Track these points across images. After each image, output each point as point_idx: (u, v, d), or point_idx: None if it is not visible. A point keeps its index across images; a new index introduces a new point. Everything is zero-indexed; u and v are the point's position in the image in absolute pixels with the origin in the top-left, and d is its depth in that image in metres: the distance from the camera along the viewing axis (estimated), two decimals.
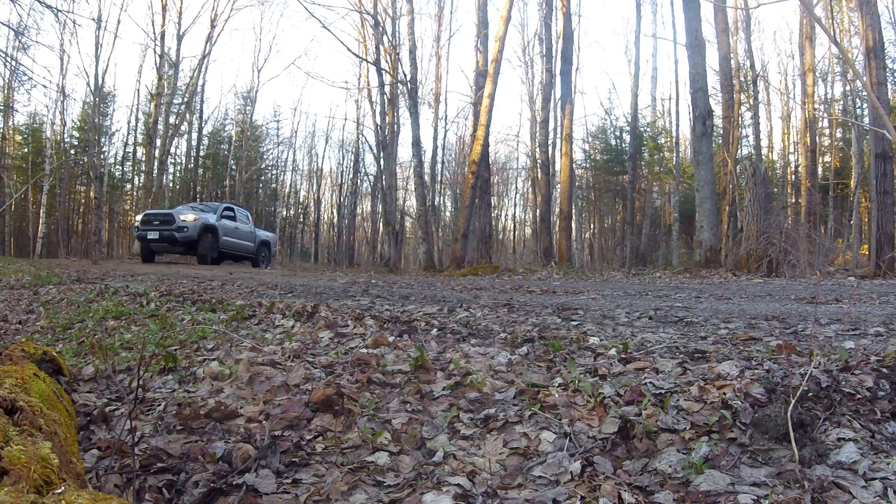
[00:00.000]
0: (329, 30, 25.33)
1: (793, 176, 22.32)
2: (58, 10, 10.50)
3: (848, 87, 18.89)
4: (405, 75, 13.02)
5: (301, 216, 32.44)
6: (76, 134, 25.74)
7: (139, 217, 12.83)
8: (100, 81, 19.79)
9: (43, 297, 4.55)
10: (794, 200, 19.54)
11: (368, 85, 17.97)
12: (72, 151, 25.32)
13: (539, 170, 16.85)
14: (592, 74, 47.47)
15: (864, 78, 8.31)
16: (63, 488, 0.89)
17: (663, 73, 33.83)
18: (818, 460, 1.29)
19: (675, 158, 19.14)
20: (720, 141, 15.87)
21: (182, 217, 12.25)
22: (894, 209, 7.64)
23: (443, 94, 20.59)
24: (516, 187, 31.63)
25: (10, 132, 24.25)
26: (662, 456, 1.36)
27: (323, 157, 30.94)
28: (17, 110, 23.20)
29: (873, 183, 8.05)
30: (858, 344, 2.05)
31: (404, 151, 22.39)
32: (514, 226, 31.96)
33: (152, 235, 12.01)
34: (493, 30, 12.61)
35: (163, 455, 1.44)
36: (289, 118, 50.23)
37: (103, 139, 23.83)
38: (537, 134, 18.57)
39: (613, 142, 22.91)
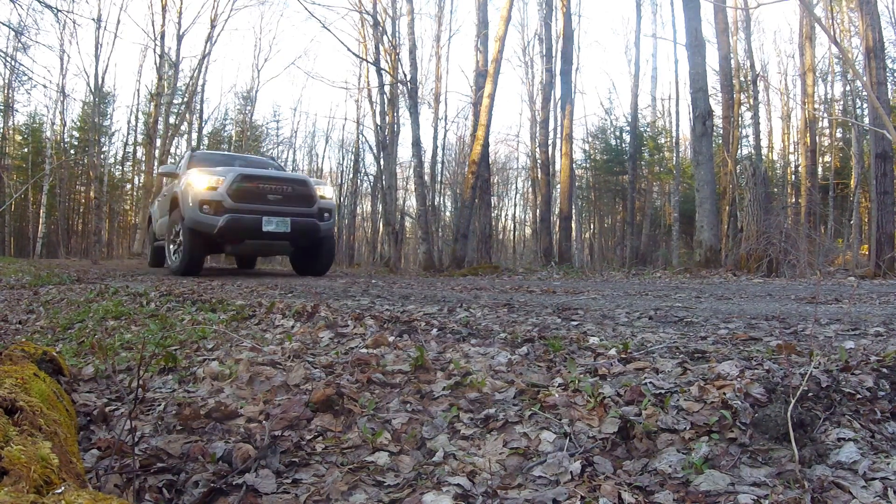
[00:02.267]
0: (329, 30, 25.36)
1: (793, 176, 22.32)
2: (58, 10, 10.51)
3: (848, 87, 18.92)
4: (405, 75, 13.02)
5: None
6: (76, 134, 25.76)
7: (217, 185, 6.40)
8: (100, 81, 19.83)
9: (43, 297, 4.55)
10: (794, 200, 19.55)
11: (368, 85, 17.98)
12: (72, 151, 25.33)
13: (539, 170, 16.86)
14: (592, 74, 47.51)
15: (864, 78, 8.30)
16: (63, 488, 0.89)
17: (663, 73, 33.94)
18: (818, 460, 1.29)
19: (675, 158, 19.14)
20: (720, 141, 15.87)
21: (321, 190, 7.04)
22: (894, 209, 7.64)
23: (443, 94, 20.58)
24: (516, 187, 31.64)
25: (10, 132, 24.28)
26: (662, 456, 1.36)
27: (323, 157, 30.92)
28: (17, 110, 23.23)
29: (873, 183, 8.05)
30: (858, 344, 2.05)
31: (404, 151, 22.42)
32: (514, 226, 31.96)
33: (274, 226, 6.44)
34: (493, 30, 12.61)
35: (163, 455, 1.44)
36: (289, 118, 50.31)
37: (103, 139, 23.84)
38: (537, 134, 18.57)
39: (613, 142, 22.91)
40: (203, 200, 6.38)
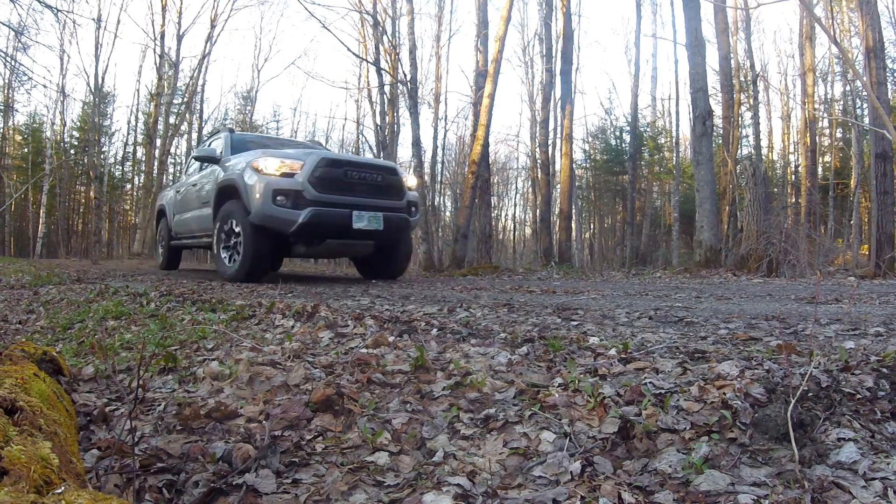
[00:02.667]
0: (329, 30, 25.27)
1: (793, 176, 22.33)
2: (58, 10, 10.52)
3: (848, 87, 18.92)
4: (405, 75, 13.01)
5: None
6: (76, 134, 25.76)
7: (294, 170, 5.19)
8: (100, 81, 19.83)
9: (43, 297, 4.55)
10: (794, 200, 19.56)
11: (368, 85, 17.99)
12: (72, 151, 25.34)
13: (539, 170, 16.86)
14: (592, 74, 47.41)
15: (864, 78, 8.30)
16: (63, 488, 0.89)
17: (663, 73, 33.98)
18: (818, 460, 1.29)
19: (675, 158, 19.14)
20: (720, 141, 15.88)
21: (407, 180, 6.01)
22: (894, 209, 7.64)
23: (443, 94, 20.54)
24: (516, 187, 31.60)
25: (10, 132, 24.29)
26: (662, 456, 1.36)
27: None
28: (17, 110, 23.24)
29: (873, 183, 8.05)
30: (858, 344, 2.05)
31: (404, 151, 22.40)
32: (514, 226, 31.94)
33: (366, 222, 5.29)
34: (493, 30, 12.61)
35: (163, 455, 1.44)
36: (289, 118, 50.18)
37: (103, 139, 23.85)
38: (537, 134, 18.58)
39: (613, 142, 22.92)
40: (278, 190, 5.06)
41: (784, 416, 1.37)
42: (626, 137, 20.47)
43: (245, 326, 2.84)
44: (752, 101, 17.51)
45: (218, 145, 6.62)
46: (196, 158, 6.67)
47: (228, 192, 5.66)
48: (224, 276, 5.68)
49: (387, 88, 15.02)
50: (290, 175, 5.18)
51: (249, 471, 1.36)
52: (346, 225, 5.28)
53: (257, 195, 5.13)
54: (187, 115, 23.41)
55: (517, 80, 25.92)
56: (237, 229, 5.45)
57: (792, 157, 23.07)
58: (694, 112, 9.26)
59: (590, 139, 24.22)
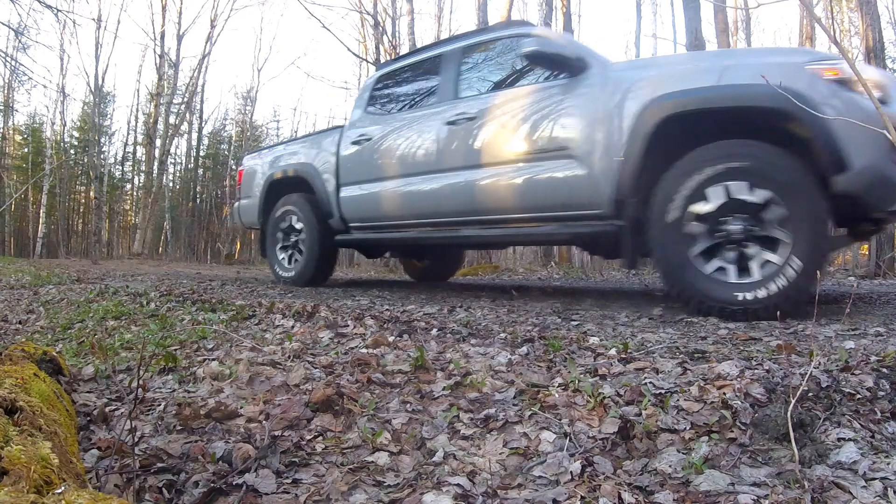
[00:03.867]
0: (329, 30, 25.38)
1: None
2: (58, 10, 10.54)
3: None
4: None
5: None
6: (76, 134, 25.78)
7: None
8: (100, 81, 19.86)
9: (43, 297, 4.54)
10: None
11: None
12: (72, 151, 25.35)
13: None
14: None
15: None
16: (63, 488, 0.89)
17: None
18: (818, 460, 1.29)
19: None
20: None
21: None
22: None
23: None
24: None
25: (10, 132, 24.31)
26: (662, 456, 1.36)
27: None
28: (17, 110, 23.27)
29: None
30: (858, 344, 2.05)
31: None
32: None
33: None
34: None
35: (163, 455, 1.44)
36: (289, 118, 50.29)
37: (103, 139, 23.86)
38: None
39: None
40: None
41: (784, 416, 1.37)
42: None
43: (245, 326, 2.84)
44: None
45: (550, 46, 3.37)
46: (534, 58, 3.41)
47: (740, 120, 2.81)
48: (743, 307, 2.76)
49: None
50: (884, 102, 2.64)
51: (249, 471, 1.36)
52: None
53: (866, 136, 2.47)
54: (187, 115, 23.43)
55: None
56: (777, 200, 2.71)
57: None
58: None
59: None
